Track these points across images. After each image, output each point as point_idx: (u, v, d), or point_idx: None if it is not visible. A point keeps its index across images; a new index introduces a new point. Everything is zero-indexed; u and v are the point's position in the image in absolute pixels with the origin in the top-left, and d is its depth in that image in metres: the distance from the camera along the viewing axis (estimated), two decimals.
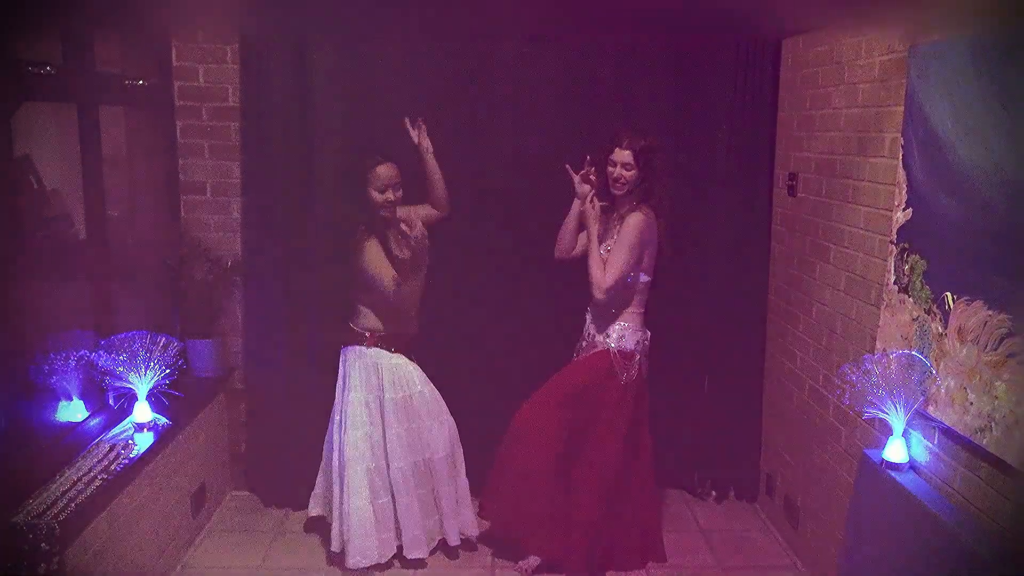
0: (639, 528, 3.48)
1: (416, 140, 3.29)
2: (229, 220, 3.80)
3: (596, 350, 3.33)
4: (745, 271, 3.85)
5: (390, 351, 3.30)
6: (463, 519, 3.49)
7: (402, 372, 3.31)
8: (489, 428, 3.54)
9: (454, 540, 3.45)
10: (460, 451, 3.47)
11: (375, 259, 3.17)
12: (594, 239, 3.23)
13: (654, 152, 3.21)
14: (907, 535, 2.39)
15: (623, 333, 3.29)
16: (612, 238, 3.25)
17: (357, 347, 3.31)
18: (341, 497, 3.28)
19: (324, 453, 3.50)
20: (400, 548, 3.36)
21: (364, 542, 3.24)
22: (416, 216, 3.26)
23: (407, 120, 3.30)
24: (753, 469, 4.02)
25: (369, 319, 3.30)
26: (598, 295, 3.20)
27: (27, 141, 2.74)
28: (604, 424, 3.30)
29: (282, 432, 3.81)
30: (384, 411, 3.28)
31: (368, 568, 3.27)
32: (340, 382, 3.38)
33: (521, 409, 3.31)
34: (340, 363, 3.38)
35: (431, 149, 3.32)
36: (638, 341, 3.30)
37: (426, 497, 3.38)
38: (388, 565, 3.34)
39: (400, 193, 3.25)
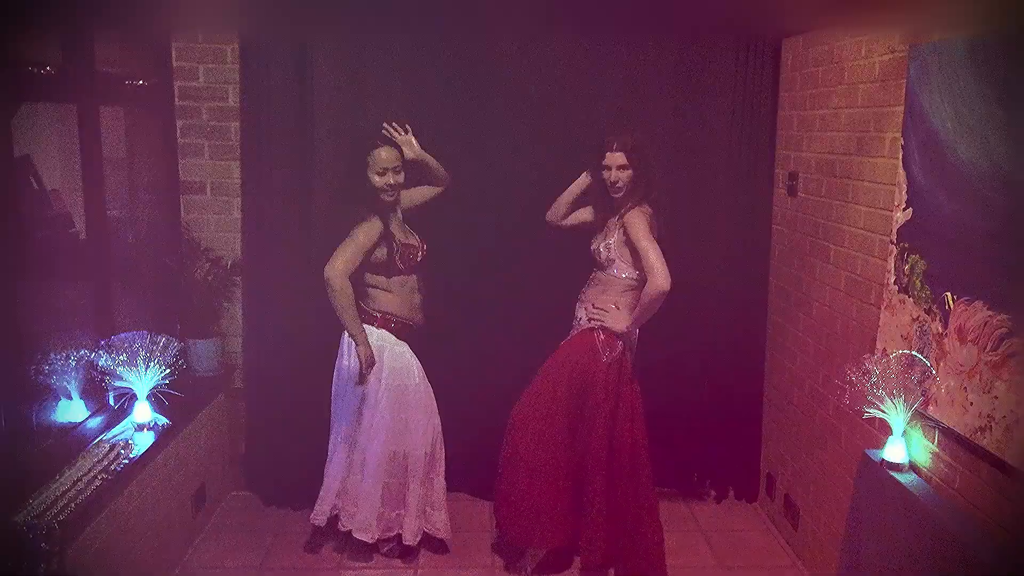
0: (623, 528, 3.33)
1: (407, 151, 3.32)
2: (229, 220, 3.80)
3: (581, 330, 3.30)
4: (745, 271, 3.85)
5: (397, 337, 3.29)
6: (434, 521, 3.41)
7: (403, 362, 3.29)
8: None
9: (410, 540, 3.35)
10: (442, 453, 3.41)
11: (356, 238, 3.16)
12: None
13: (644, 147, 3.21)
14: (907, 535, 2.39)
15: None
16: (612, 235, 3.25)
17: (365, 326, 3.25)
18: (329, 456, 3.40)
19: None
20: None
21: (322, 506, 3.34)
22: (418, 198, 3.42)
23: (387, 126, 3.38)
24: (753, 469, 4.02)
25: (379, 302, 3.28)
26: (666, 285, 3.05)
27: (27, 141, 2.74)
28: (591, 408, 3.25)
29: (282, 432, 3.81)
30: (376, 393, 3.27)
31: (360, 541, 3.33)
32: (339, 350, 3.35)
33: (518, 406, 3.29)
34: (342, 337, 3.34)
35: (417, 154, 3.37)
36: (625, 326, 3.25)
37: (395, 488, 3.33)
38: (374, 549, 3.38)
39: (401, 177, 3.23)
